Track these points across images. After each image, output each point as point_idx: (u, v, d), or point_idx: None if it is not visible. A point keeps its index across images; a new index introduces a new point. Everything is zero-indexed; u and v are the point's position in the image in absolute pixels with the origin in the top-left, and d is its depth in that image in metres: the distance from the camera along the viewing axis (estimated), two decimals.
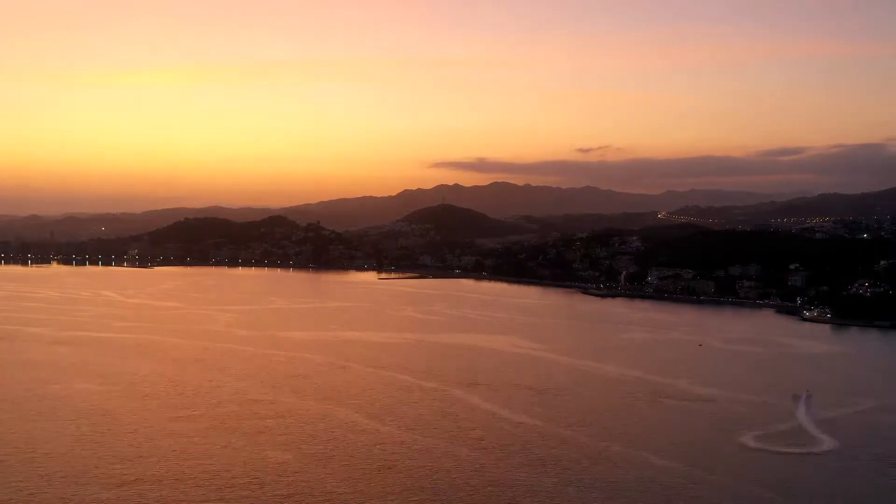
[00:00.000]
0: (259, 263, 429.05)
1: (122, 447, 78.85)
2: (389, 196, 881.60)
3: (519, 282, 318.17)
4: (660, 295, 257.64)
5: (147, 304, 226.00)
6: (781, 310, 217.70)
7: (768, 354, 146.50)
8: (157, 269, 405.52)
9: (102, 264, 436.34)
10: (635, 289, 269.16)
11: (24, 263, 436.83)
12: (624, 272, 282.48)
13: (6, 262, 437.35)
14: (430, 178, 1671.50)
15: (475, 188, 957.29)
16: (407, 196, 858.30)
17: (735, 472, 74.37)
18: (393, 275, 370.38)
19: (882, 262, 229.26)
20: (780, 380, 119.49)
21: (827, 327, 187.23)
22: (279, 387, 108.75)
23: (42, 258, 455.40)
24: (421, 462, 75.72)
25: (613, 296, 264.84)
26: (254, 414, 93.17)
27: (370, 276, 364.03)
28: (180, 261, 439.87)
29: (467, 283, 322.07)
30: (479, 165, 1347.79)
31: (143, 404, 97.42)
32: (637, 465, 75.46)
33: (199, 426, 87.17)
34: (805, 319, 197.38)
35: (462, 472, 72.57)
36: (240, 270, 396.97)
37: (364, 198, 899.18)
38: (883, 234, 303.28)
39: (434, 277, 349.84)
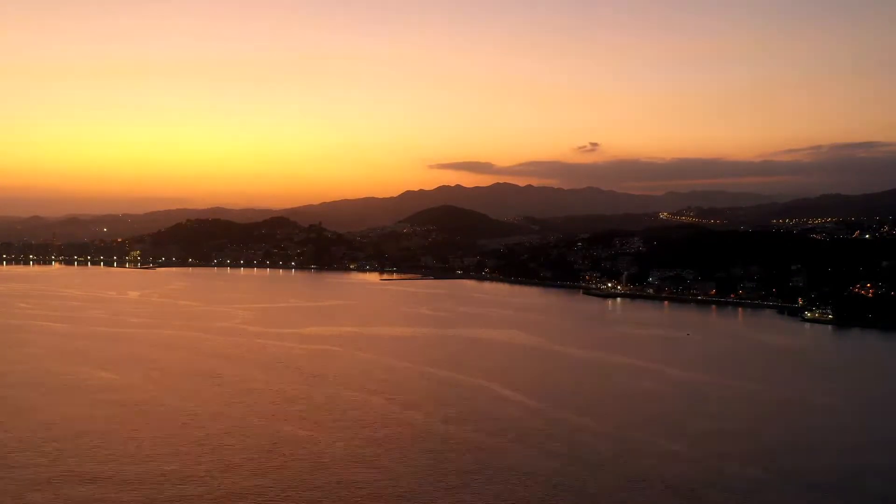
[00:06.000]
0: (261, 264, 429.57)
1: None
2: (391, 197, 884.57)
3: (521, 282, 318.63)
4: (661, 295, 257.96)
5: (168, 302, 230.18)
6: (783, 310, 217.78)
7: (742, 348, 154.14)
8: (159, 270, 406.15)
9: (104, 265, 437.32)
10: (636, 289, 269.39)
11: (27, 264, 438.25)
12: (625, 273, 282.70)
13: (8, 263, 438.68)
14: (431, 180, 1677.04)
15: (477, 189, 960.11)
16: (408, 197, 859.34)
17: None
18: (395, 276, 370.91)
19: (884, 263, 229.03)
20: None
21: (828, 328, 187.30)
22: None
23: (44, 259, 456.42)
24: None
25: (615, 296, 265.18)
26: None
27: (372, 277, 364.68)
28: (182, 262, 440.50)
29: (470, 284, 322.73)
30: (481, 166, 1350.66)
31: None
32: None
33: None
34: (806, 320, 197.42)
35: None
36: (242, 271, 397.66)
37: (366, 199, 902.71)
38: (885, 234, 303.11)
39: (436, 278, 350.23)
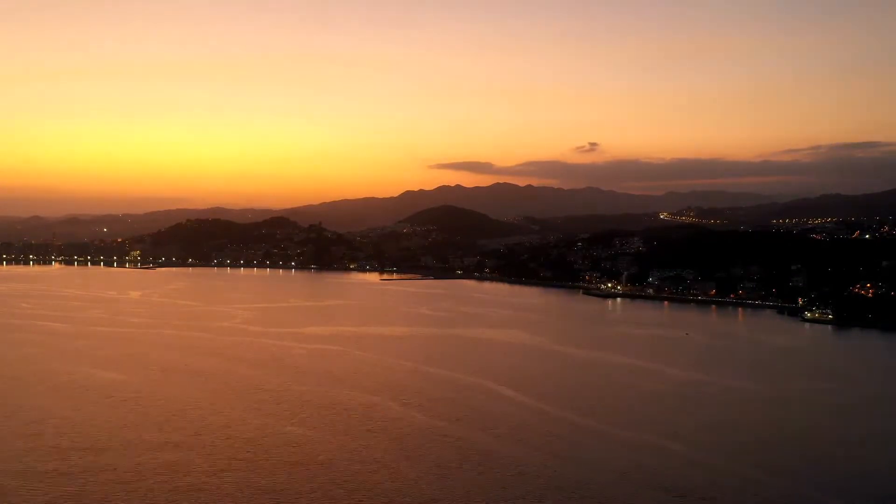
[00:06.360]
0: (261, 264, 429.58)
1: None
2: (391, 197, 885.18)
3: (521, 282, 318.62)
4: (661, 295, 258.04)
5: (169, 302, 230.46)
6: (783, 310, 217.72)
7: (742, 348, 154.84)
8: (159, 270, 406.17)
9: (104, 265, 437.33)
10: (636, 289, 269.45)
11: (27, 264, 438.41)
12: (625, 273, 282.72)
13: (8, 263, 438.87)
14: (431, 180, 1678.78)
15: (477, 189, 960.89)
16: (408, 197, 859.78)
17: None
18: (395, 276, 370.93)
19: (884, 263, 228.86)
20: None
21: (828, 328, 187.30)
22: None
23: (44, 259, 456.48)
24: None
25: (615, 296, 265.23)
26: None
27: (372, 277, 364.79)
28: (182, 262, 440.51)
29: (470, 284, 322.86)
30: (481, 167, 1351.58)
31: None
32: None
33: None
34: (806, 320, 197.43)
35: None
36: (242, 271, 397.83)
37: (366, 199, 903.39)
38: (885, 234, 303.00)
39: (436, 278, 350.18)
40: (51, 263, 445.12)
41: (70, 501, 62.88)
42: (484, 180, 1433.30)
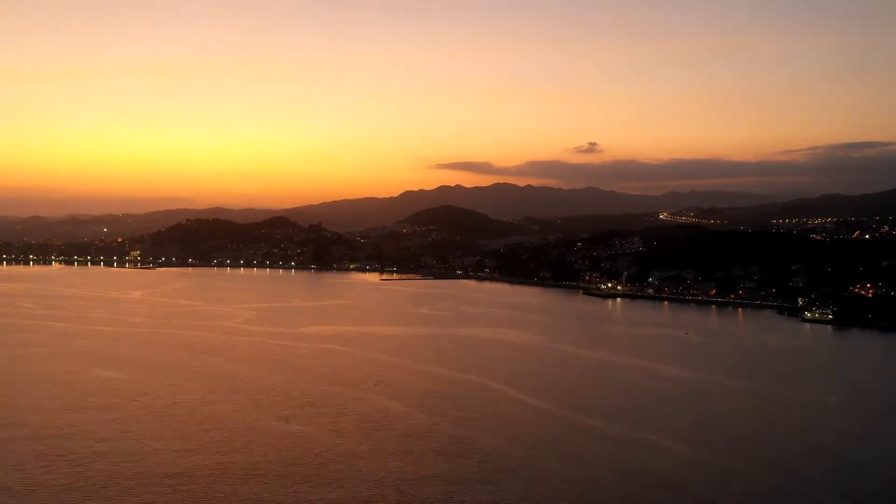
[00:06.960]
0: (261, 264, 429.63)
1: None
2: (391, 197, 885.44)
3: (521, 282, 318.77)
4: (661, 295, 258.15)
5: (170, 302, 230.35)
6: (783, 310, 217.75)
7: (742, 347, 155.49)
8: (159, 270, 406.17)
9: (104, 265, 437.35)
10: (636, 289, 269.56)
11: (27, 264, 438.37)
12: (625, 273, 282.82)
13: (8, 263, 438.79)
14: (431, 180, 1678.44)
15: (477, 189, 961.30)
16: (408, 197, 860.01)
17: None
18: (395, 276, 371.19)
19: (884, 263, 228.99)
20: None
21: (828, 328, 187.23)
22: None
23: (44, 259, 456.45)
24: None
25: (615, 296, 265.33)
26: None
27: (373, 277, 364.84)
28: (182, 262, 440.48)
29: (470, 284, 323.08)
30: (481, 167, 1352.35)
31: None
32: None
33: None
34: (806, 320, 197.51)
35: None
36: (242, 271, 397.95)
37: (366, 199, 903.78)
38: (885, 234, 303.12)
39: (436, 278, 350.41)
40: (51, 263, 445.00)
41: (73, 491, 63.27)
42: (484, 180, 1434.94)
